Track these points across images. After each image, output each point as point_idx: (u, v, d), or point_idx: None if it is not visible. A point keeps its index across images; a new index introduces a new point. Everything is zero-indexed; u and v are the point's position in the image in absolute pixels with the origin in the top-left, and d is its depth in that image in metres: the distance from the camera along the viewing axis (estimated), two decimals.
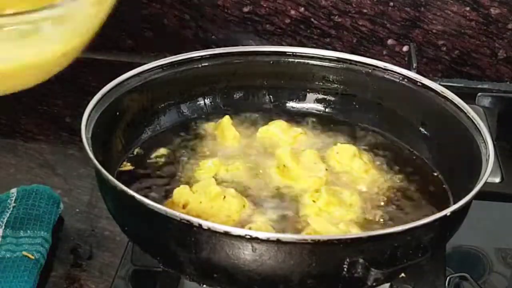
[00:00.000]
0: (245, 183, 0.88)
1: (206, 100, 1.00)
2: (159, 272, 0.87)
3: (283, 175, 0.88)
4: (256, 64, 1.01)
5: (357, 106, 1.00)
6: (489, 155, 0.83)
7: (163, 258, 0.79)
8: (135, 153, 0.92)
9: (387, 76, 0.98)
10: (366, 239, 0.73)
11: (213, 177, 0.87)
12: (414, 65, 1.20)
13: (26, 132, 1.16)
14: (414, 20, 1.30)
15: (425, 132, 0.96)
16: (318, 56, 1.00)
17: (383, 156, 0.94)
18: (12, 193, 0.97)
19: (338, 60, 1.00)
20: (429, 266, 0.89)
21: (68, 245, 0.95)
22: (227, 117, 0.97)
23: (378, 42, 1.32)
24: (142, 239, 0.81)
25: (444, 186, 0.90)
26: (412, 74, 0.97)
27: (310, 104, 1.02)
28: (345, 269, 0.73)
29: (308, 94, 1.02)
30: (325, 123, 0.99)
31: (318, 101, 1.02)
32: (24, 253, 0.89)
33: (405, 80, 0.97)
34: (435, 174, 0.92)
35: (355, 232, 0.80)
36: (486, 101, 1.26)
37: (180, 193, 0.83)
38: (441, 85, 0.95)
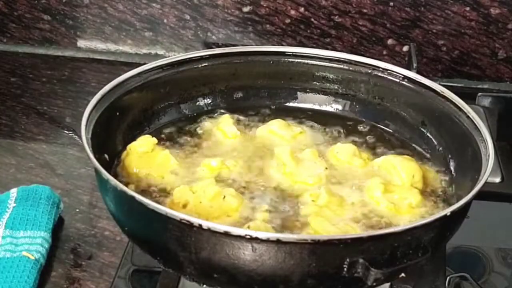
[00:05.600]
0: (245, 182, 0.87)
1: (206, 100, 1.00)
2: (159, 272, 0.87)
3: (283, 174, 0.88)
4: (256, 64, 1.01)
5: (357, 106, 1.00)
6: (489, 155, 0.83)
7: (163, 258, 0.79)
8: None
9: (387, 76, 0.98)
10: (366, 239, 0.73)
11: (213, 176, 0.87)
12: (414, 65, 1.20)
13: (26, 132, 1.16)
14: (414, 20, 1.30)
15: (425, 132, 0.96)
16: (318, 56, 1.00)
17: (383, 155, 0.94)
18: (12, 193, 0.97)
19: (338, 60, 1.00)
20: (429, 266, 0.89)
21: (68, 245, 0.95)
22: (227, 116, 0.97)
23: (378, 42, 1.32)
24: (142, 239, 0.81)
25: (444, 185, 0.90)
26: (412, 74, 0.97)
27: (310, 104, 1.02)
28: (345, 269, 0.73)
29: (307, 94, 1.02)
30: (325, 122, 0.99)
31: (318, 101, 1.02)
32: (24, 253, 0.89)
33: (405, 80, 0.97)
34: (435, 174, 0.92)
35: (355, 231, 0.80)
36: (486, 101, 1.26)
37: (180, 193, 0.83)
38: (441, 85, 0.95)
